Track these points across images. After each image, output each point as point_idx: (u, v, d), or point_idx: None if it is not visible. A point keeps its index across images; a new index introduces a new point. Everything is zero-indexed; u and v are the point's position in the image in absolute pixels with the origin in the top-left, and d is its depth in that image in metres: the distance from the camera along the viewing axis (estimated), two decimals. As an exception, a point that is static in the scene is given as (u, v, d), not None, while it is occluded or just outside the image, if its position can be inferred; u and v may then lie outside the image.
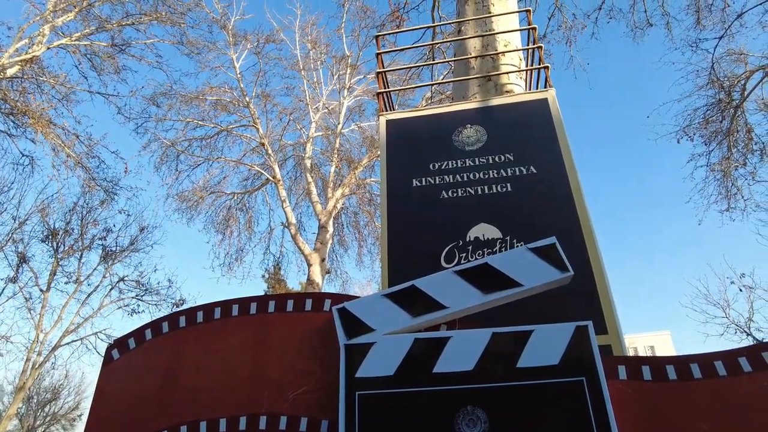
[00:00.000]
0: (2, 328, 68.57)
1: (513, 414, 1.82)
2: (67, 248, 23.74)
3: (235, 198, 23.15)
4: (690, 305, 24.35)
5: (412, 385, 1.90)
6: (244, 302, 2.37)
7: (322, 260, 18.58)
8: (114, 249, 24.42)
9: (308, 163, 21.29)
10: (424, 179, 3.19)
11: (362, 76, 23.03)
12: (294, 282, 28.53)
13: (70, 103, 15.21)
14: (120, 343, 2.36)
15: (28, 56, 12.21)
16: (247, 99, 20.28)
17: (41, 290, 22.76)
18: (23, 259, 22.42)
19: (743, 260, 33.24)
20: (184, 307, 17.69)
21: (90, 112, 48.24)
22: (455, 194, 3.09)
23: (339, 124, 21.36)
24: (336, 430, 2.05)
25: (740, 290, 21.31)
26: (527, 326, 1.94)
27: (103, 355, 2.36)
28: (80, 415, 46.24)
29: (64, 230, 23.62)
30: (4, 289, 21.51)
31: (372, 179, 21.67)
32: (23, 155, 16.16)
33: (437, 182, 3.16)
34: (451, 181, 3.14)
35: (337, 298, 2.30)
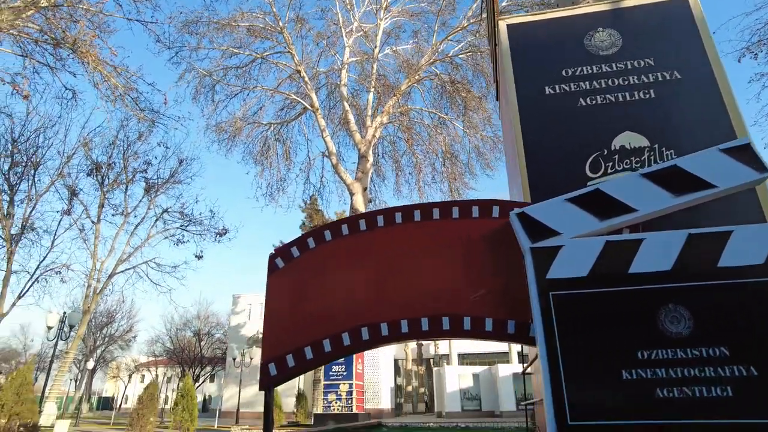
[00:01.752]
0: (63, 257, 72.74)
1: (716, 312, 1.83)
2: (111, 181, 24.42)
3: (272, 128, 23.06)
4: None
5: (608, 285, 1.91)
6: (424, 208, 2.37)
7: (364, 189, 18.66)
8: (155, 181, 25.02)
9: (344, 90, 20.83)
10: (557, 87, 3.06)
11: (400, -6, 21.88)
12: (331, 213, 28.91)
13: (104, 33, 15.00)
14: (283, 252, 2.43)
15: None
16: (281, 24, 19.58)
17: (93, 222, 23.74)
18: (73, 193, 23.22)
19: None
20: (227, 236, 18.14)
21: (121, 42, 47.67)
22: (594, 102, 2.96)
23: (376, 47, 20.60)
24: (523, 329, 2.11)
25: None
26: (725, 227, 1.91)
27: (267, 264, 2.45)
28: (134, 337, 49.85)
29: (106, 164, 24.17)
30: (60, 221, 22.48)
31: (412, 106, 21.19)
32: (66, 88, 16.26)
33: (573, 89, 3.03)
34: (588, 87, 3.00)
35: (505, 204, 2.29)
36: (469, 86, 19.52)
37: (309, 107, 20.10)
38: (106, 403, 66.31)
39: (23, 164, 21.46)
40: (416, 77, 19.85)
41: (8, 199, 21.15)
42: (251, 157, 23.66)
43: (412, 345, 51.99)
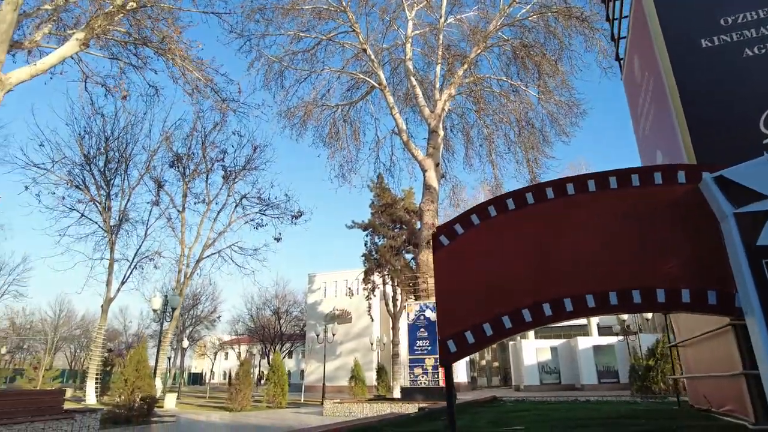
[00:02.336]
0: (155, 244, 78.31)
1: None
2: (192, 171, 25.75)
3: (340, 110, 23.27)
4: None
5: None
6: (600, 178, 2.26)
7: (437, 165, 18.47)
8: (233, 169, 26.10)
9: (410, 65, 20.54)
10: (716, 38, 2.79)
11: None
12: (398, 190, 28.92)
13: (178, 30, 15.67)
14: (446, 230, 2.41)
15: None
16: (345, 3, 19.50)
17: (178, 211, 25.25)
18: (159, 185, 24.74)
19: None
20: (303, 218, 18.64)
21: (191, 36, 49.79)
22: (763, 50, 2.67)
23: (441, 17, 20.08)
24: (727, 301, 1.97)
25: None
26: None
27: (431, 242, 2.44)
28: (219, 317, 53.14)
29: (186, 155, 25.47)
30: (151, 212, 24.11)
31: (483, 75, 20.56)
32: (150, 85, 17.20)
33: (735, 39, 2.74)
34: (755, 35, 2.70)
35: (692, 169, 2.13)
36: (543, 49, 18.60)
37: (376, 85, 20.04)
38: (194, 379, 71.39)
39: (116, 160, 23.08)
40: (484, 45, 19.18)
41: (105, 193, 22.90)
42: (321, 140, 24.08)
43: (484, 319, 51.77)
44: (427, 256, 17.02)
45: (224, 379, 75.13)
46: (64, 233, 22.34)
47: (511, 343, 41.08)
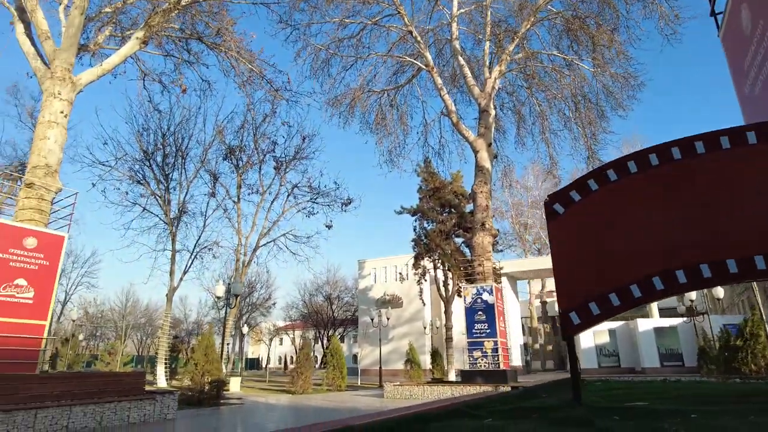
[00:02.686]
0: (213, 235, 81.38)
1: None
2: (244, 163, 26.38)
3: (386, 95, 23.14)
4: None
5: None
6: (734, 134, 2.09)
7: (489, 145, 18.06)
8: (283, 159, 26.56)
9: (456, 44, 20.09)
10: None
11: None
12: (448, 173, 28.57)
13: (232, 22, 15.96)
14: (561, 197, 2.30)
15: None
16: (388, -15, 19.24)
17: (234, 202, 25.97)
18: (215, 177, 25.52)
19: None
20: (353, 205, 18.75)
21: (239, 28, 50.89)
22: None
23: (488, -8, 19.49)
24: None
25: None
26: None
27: (544, 212, 2.34)
28: (274, 303, 54.75)
29: (239, 147, 26.10)
30: (208, 203, 24.95)
31: (535, 50, 19.84)
32: (203, 80, 17.68)
33: None
34: None
35: None
36: (599, 19, 17.70)
37: (423, 67, 19.75)
38: (251, 364, 74.07)
39: (173, 155, 23.96)
40: (534, 18, 18.47)
41: (164, 187, 23.86)
42: (367, 126, 24.08)
43: (536, 303, 50.75)
44: (481, 239, 16.77)
45: (279, 363, 77.73)
46: (129, 227, 23.53)
47: (566, 326, 40.14)
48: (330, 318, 53.61)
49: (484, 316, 15.86)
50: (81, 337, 46.75)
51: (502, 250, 31.96)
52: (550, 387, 8.90)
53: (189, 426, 9.11)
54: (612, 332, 36.30)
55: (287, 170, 26.46)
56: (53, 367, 33.07)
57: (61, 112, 10.48)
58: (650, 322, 34.69)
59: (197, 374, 12.85)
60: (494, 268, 17.18)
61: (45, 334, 9.37)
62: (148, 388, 14.17)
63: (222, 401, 13.46)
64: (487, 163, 17.61)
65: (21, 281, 9.10)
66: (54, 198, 10.34)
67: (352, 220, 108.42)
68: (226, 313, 19.18)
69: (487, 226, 16.77)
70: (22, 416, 7.31)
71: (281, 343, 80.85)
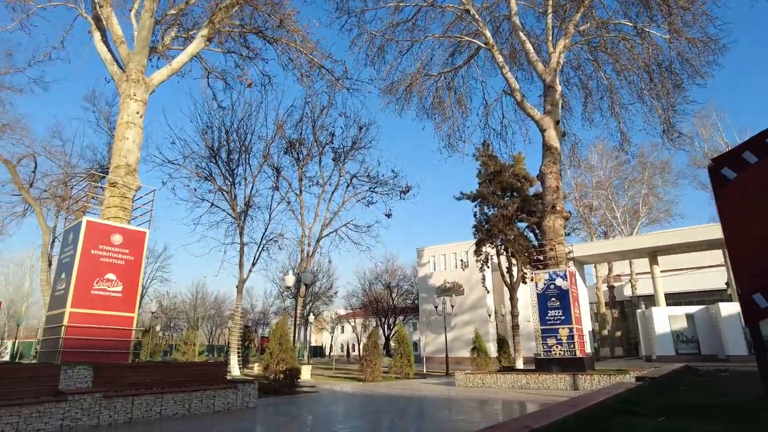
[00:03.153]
0: (278, 227, 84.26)
1: None
2: (304, 156, 26.72)
3: (443, 78, 22.61)
4: None
5: None
6: None
7: (557, 123, 17.20)
8: (341, 150, 26.68)
9: (516, 20, 19.21)
10: None
11: None
12: (510, 156, 27.60)
13: (293, 11, 16.04)
14: (730, 160, 1.95)
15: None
16: (443, -36, 18.66)
17: (296, 194, 26.42)
18: (278, 171, 26.03)
19: None
20: (411, 193, 18.43)
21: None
22: None
23: (549, -38, 18.44)
24: None
25: None
26: None
27: (710, 180, 2.01)
28: (335, 293, 55.81)
29: (298, 140, 26.44)
30: (273, 196, 25.52)
31: (602, 19, 18.64)
32: (263, 74, 17.93)
33: None
34: None
35: None
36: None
37: (483, 45, 19.06)
38: (315, 352, 76.01)
39: (237, 151, 24.63)
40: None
41: (230, 182, 24.59)
42: (424, 111, 23.68)
43: (604, 288, 48.57)
44: (552, 222, 16.07)
45: (341, 351, 79.40)
46: (198, 222, 24.61)
47: (638, 311, 38.23)
48: (390, 306, 53.93)
49: (558, 303, 15.22)
50: (157, 328, 49.66)
51: (569, 233, 30.58)
52: (675, 378, 8.28)
53: (273, 415, 9.28)
54: (690, 317, 34.16)
55: (345, 161, 26.58)
56: (137, 356, 35.35)
57: (137, 113, 10.88)
58: (735, 306, 32.29)
59: (273, 363, 13.15)
60: (567, 252, 16.41)
61: (134, 326, 9.83)
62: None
63: (297, 390, 13.72)
64: (555, 142, 16.80)
65: (111, 276, 9.56)
66: (134, 195, 10.79)
67: (410, 208, 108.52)
68: (296, 302, 19.57)
69: (558, 208, 16.03)
70: (122, 403, 7.68)
71: (342, 331, 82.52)
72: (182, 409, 8.58)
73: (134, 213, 10.88)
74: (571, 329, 14.87)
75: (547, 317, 15.31)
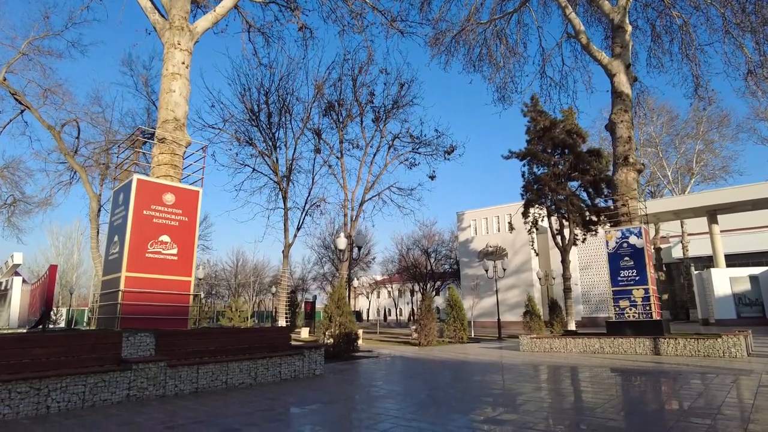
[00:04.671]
0: (321, 191, 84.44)
1: None
2: (344, 117, 25.69)
3: (492, 26, 20.95)
4: None
5: None
6: None
7: (627, 67, 15.56)
8: (382, 110, 25.50)
9: (578, -45, 17.35)
10: None
11: None
12: (568, 107, 25.77)
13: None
14: None
15: None
16: None
17: (337, 157, 25.57)
18: (318, 134, 25.16)
19: None
20: (456, 153, 17.28)
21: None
22: None
23: None
24: None
25: None
26: None
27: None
28: (373, 258, 55.54)
29: (338, 101, 25.37)
30: (315, 159, 24.77)
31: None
32: (305, 26, 16.80)
33: None
34: None
35: None
36: None
37: (541, -15, 17.34)
38: (355, 316, 76.77)
39: (277, 113, 23.82)
40: None
41: (271, 146, 23.91)
42: (471, 64, 22.19)
43: (650, 250, 46.52)
44: (624, 175, 14.69)
45: (377, 315, 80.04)
46: (240, 188, 24.20)
47: (695, 273, 36.29)
48: (428, 271, 53.34)
49: (631, 262, 14.03)
50: (201, 295, 50.74)
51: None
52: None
53: (346, 383, 8.64)
54: (754, 279, 32.13)
55: (387, 121, 25.44)
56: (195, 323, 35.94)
57: (183, 63, 10.07)
58: (806, 265, 30.12)
59: (333, 327, 12.60)
60: (641, 207, 15.09)
61: (191, 291, 9.28)
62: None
63: (356, 354, 13.18)
64: (626, 87, 15.23)
65: (165, 238, 8.97)
66: (184, 153, 10.09)
67: (449, 173, 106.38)
68: (350, 265, 18.95)
69: (631, 160, 14.62)
70: (186, 372, 7.14)
71: (378, 296, 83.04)
72: (248, 378, 8.03)
73: (185, 172, 10.20)
74: (646, 290, 13.72)
75: (619, 278, 14.17)
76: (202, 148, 10.18)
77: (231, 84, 41.99)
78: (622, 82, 15.23)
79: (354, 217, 24.63)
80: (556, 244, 26.77)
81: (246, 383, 7.95)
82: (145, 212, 8.78)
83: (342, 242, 17.08)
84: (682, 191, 45.16)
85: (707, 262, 41.76)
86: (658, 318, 13.65)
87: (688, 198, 37.30)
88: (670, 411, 5.42)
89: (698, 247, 43.55)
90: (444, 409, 5.74)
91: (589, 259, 39.13)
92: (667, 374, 8.50)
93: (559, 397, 6.56)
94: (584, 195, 27.23)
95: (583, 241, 27.43)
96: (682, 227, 41.78)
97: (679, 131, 47.52)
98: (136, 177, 8.74)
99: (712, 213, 35.34)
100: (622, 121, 14.87)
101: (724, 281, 32.64)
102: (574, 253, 36.03)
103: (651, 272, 13.94)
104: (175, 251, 9.07)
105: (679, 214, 36.68)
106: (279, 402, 6.42)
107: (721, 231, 36.42)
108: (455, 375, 9.17)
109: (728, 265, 35.83)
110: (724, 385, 7.03)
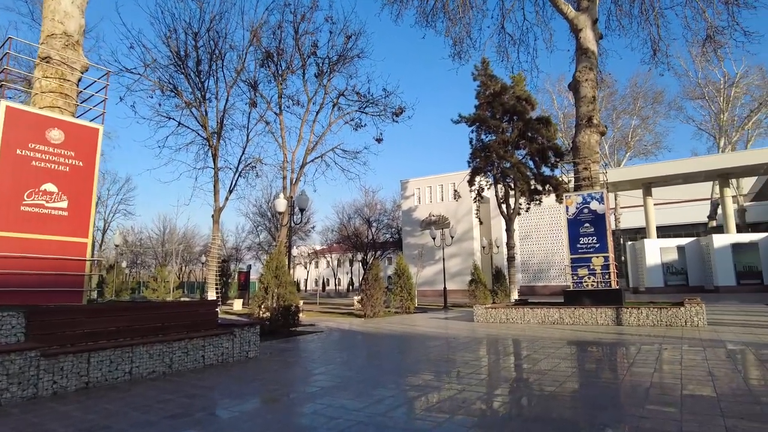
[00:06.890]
0: (257, 150, 79.68)
1: None
2: (283, 70, 23.33)
3: (448, -25, 19.34)
4: None
5: None
6: None
7: (594, 22, 14.58)
8: (326, 62, 23.37)
9: None
10: None
11: None
12: (526, 66, 24.74)
13: None
14: None
15: None
16: None
17: (275, 113, 23.27)
18: (254, 86, 22.70)
19: None
20: (405, 115, 15.69)
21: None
22: None
23: None
24: None
25: None
26: None
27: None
28: (313, 227, 53.52)
29: (277, 50, 22.93)
30: (250, 114, 22.35)
31: None
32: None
33: None
34: None
35: None
36: None
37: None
38: (292, 287, 74.76)
39: (207, 60, 21.10)
40: None
41: (200, 96, 21.25)
42: (424, 17, 20.60)
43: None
44: (587, 138, 13.86)
45: (315, 285, 78.61)
46: (164, 144, 21.63)
47: (629, 243, 37.62)
48: (369, 241, 52.26)
49: (592, 229, 13.35)
50: (124, 265, 46.75)
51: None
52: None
53: (285, 371, 7.11)
54: (681, 249, 33.64)
55: (332, 76, 23.36)
56: (101, 296, 32.61)
57: (74, -39, 7.70)
58: (728, 237, 31.79)
59: (269, 299, 10.94)
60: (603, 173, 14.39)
61: (88, 255, 7.26)
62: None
63: (296, 330, 11.64)
64: (592, 44, 14.27)
65: (50, 186, 6.86)
66: (80, 80, 7.85)
67: (392, 141, 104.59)
68: (290, 230, 17.15)
69: (594, 121, 13.79)
70: (72, 361, 5.32)
71: (317, 266, 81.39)
72: (161, 366, 6.31)
73: (83, 105, 7.96)
74: (606, 258, 13.13)
75: (578, 245, 13.49)
76: (105, 75, 7.96)
77: (154, 23, 37.46)
78: (588, 38, 14.25)
79: (294, 180, 22.65)
80: (501, 212, 26.31)
81: (158, 372, 6.24)
82: (19, 151, 6.61)
83: (281, 204, 15.27)
84: (617, 165, 46.53)
85: (634, 234, 43.60)
86: (617, 287, 13.14)
87: (627, 170, 38.29)
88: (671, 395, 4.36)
89: (629, 220, 45.37)
90: (434, 411, 4.37)
91: (529, 229, 39.53)
92: (636, 345, 7.66)
93: (583, 386, 5.40)
94: (531, 164, 26.78)
95: (527, 210, 27.17)
96: (615, 200, 43.12)
97: (616, 106, 48.68)
98: (4, 103, 6.51)
99: (647, 186, 36.46)
100: (586, 80, 13.94)
101: (655, 251, 33.97)
102: (515, 223, 36.15)
103: (611, 240, 13.35)
104: (64, 204, 6.99)
105: (617, 186, 37.60)
106: (198, 400, 4.80)
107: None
108: (422, 355, 7.87)
109: (662, 236, 37.45)
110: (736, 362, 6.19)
